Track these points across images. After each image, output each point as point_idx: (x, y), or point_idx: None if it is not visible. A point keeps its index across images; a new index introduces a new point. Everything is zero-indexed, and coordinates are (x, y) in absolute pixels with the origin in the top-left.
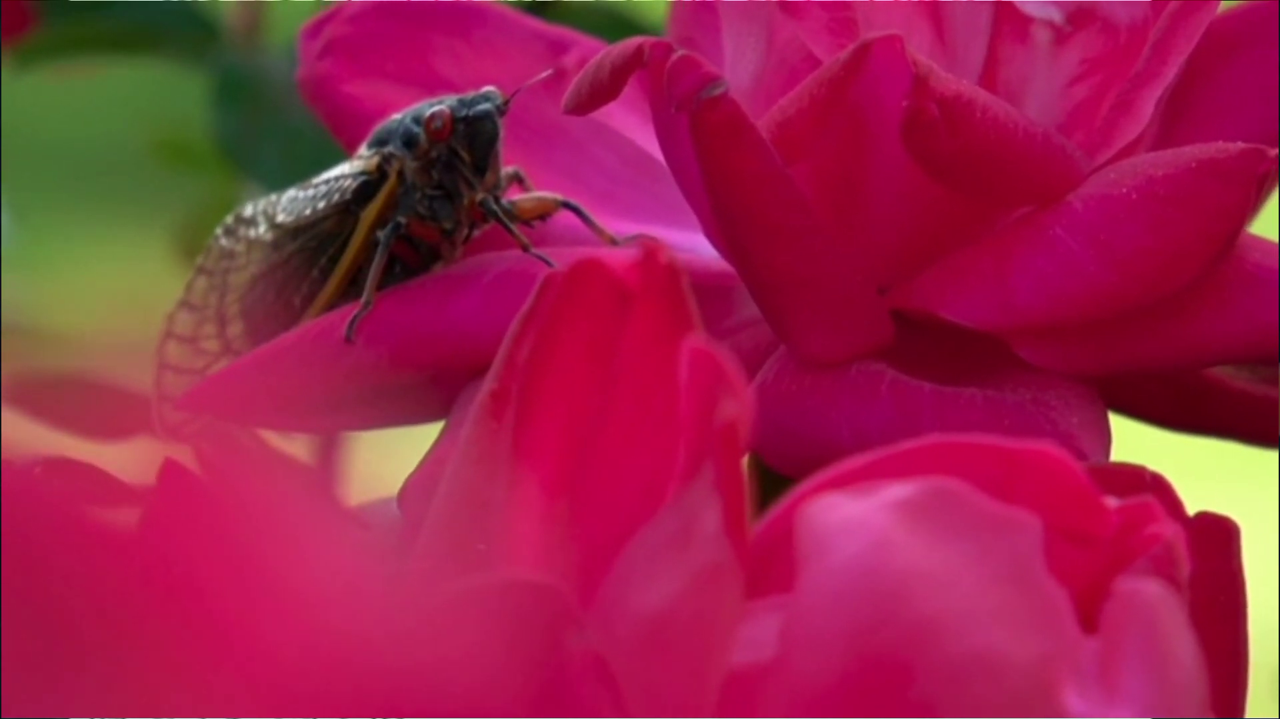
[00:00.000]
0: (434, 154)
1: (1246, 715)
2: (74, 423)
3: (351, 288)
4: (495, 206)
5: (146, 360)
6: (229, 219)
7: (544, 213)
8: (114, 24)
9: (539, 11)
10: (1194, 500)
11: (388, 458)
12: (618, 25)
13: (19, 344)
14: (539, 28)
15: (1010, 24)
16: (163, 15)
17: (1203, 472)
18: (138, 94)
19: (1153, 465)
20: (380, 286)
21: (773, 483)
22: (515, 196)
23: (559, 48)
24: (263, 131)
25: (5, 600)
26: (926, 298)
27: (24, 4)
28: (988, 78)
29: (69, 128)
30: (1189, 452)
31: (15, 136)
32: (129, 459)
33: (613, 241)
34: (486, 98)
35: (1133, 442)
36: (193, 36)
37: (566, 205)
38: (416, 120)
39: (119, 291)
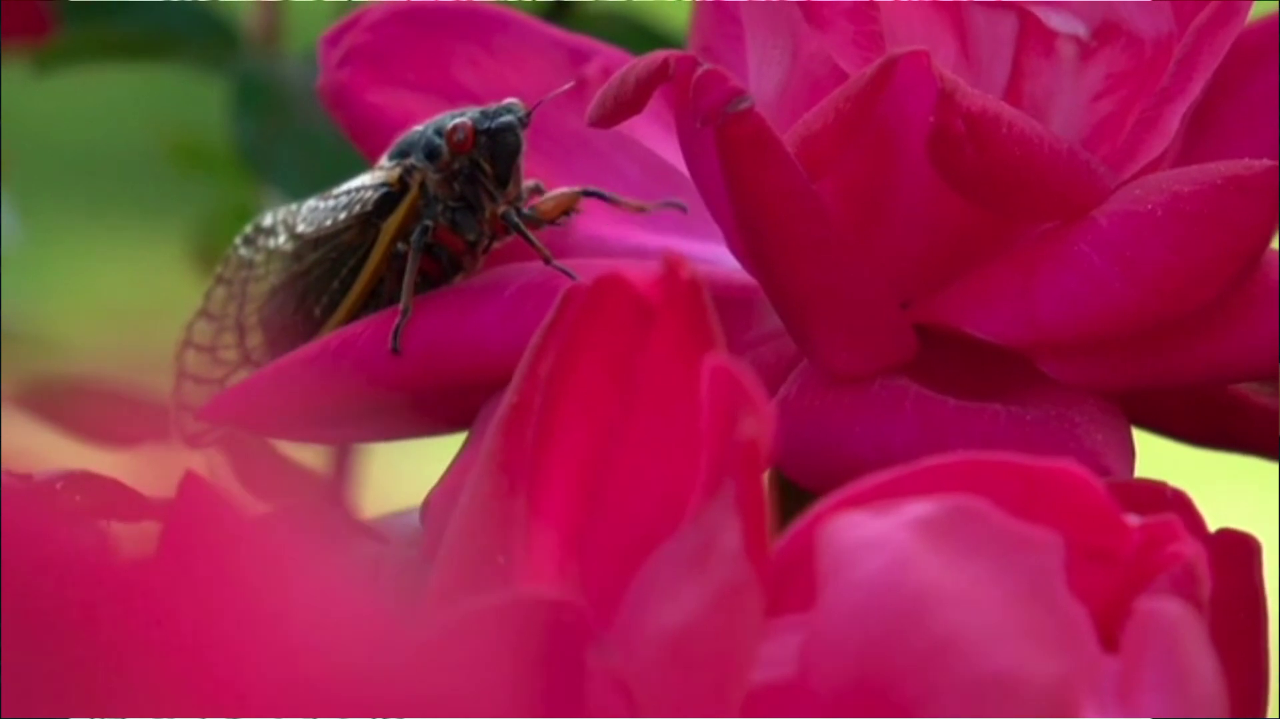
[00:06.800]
0: (456, 166)
1: None
2: (87, 429)
3: (372, 300)
4: (517, 219)
5: (161, 367)
6: (248, 229)
7: (567, 208)
8: (132, 29)
9: (557, 16)
10: (1212, 510)
11: (406, 469)
12: (638, 31)
13: (30, 350)
14: (559, 36)
15: (1035, 38)
16: (181, 20)
17: (1223, 483)
18: (154, 98)
19: (1171, 477)
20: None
21: (795, 497)
22: (535, 201)
23: (580, 56)
24: (281, 137)
25: (17, 615)
26: (950, 313)
27: (42, 8)
28: (1013, 92)
29: (85, 131)
30: (1209, 463)
31: (31, 139)
32: (143, 467)
33: (641, 210)
34: (509, 109)
35: (1148, 451)
36: (211, 42)
37: (587, 193)
38: (438, 132)
39: (133, 296)
